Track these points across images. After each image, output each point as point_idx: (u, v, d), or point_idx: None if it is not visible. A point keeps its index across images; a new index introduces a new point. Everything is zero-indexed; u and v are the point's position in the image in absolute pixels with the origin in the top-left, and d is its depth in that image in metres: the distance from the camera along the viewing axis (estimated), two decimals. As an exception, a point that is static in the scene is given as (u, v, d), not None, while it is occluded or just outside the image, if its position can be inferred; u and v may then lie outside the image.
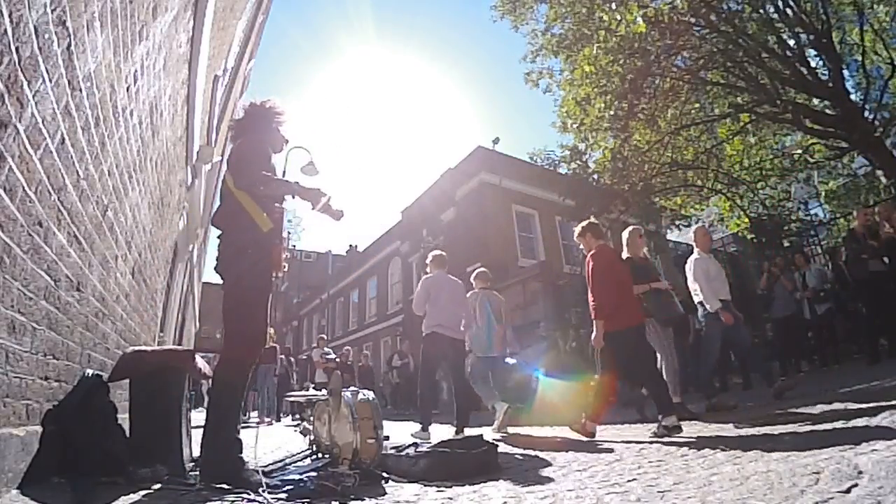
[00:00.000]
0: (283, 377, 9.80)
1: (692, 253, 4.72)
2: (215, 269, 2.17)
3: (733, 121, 9.02)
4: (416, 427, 4.23)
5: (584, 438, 3.27)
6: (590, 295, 3.49)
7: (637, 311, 3.48)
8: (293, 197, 2.22)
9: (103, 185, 2.15)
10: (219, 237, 2.15)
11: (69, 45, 1.52)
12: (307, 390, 7.53)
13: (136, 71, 2.36)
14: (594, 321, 3.44)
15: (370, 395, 2.33)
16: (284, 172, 2.27)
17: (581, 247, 3.88)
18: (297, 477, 1.87)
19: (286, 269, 2.26)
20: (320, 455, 2.54)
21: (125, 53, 2.12)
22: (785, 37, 8.27)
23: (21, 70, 1.27)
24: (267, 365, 8.69)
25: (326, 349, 9.93)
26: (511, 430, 4.45)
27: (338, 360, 10.29)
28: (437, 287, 4.60)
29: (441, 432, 4.26)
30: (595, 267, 3.46)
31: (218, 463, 1.87)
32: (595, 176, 9.85)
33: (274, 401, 8.90)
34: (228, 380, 2.03)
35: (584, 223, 3.81)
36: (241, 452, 1.96)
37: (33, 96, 1.36)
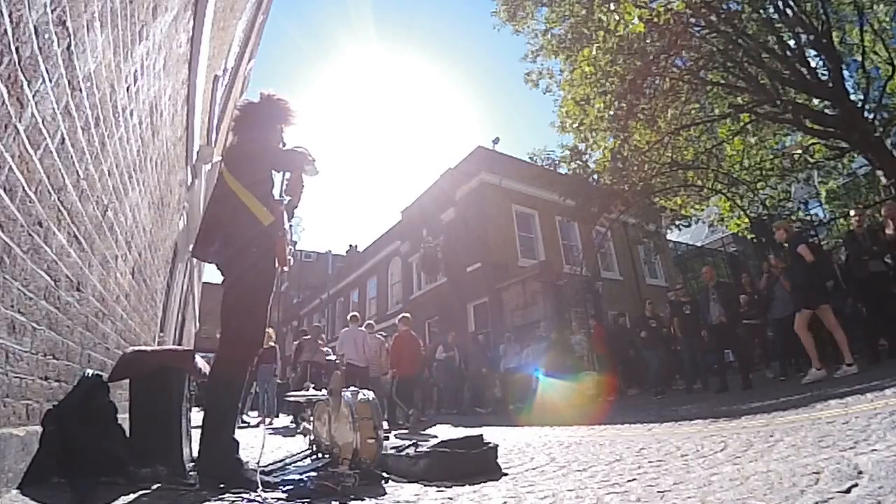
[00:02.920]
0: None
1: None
2: (217, 266, 2.16)
3: (733, 121, 9.02)
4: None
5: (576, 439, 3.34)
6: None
7: (408, 365, 7.32)
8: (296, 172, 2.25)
9: (103, 185, 2.15)
10: (221, 236, 2.11)
11: (69, 45, 1.52)
12: (307, 390, 7.53)
13: (136, 71, 2.36)
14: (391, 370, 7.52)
15: (370, 395, 2.34)
16: (284, 173, 2.25)
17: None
18: (296, 477, 1.87)
19: (291, 264, 2.23)
20: (320, 455, 2.54)
21: (125, 53, 2.12)
22: (785, 37, 8.27)
23: (21, 70, 1.26)
24: (267, 365, 8.70)
25: (326, 349, 9.86)
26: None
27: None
28: (349, 337, 7.36)
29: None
30: (394, 343, 7.55)
31: (217, 463, 1.87)
32: (595, 176, 9.85)
33: (274, 401, 8.88)
34: (226, 380, 2.01)
35: (401, 317, 7.79)
36: (237, 453, 1.96)
37: (33, 96, 1.36)
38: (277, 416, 9.36)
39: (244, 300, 2.05)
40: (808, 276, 5.06)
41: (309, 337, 8.26)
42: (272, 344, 9.10)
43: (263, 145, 2.21)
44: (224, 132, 7.21)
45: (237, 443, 2.00)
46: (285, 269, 2.16)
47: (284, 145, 2.35)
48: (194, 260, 5.83)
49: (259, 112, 2.28)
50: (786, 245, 5.50)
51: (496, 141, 15.60)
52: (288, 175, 2.31)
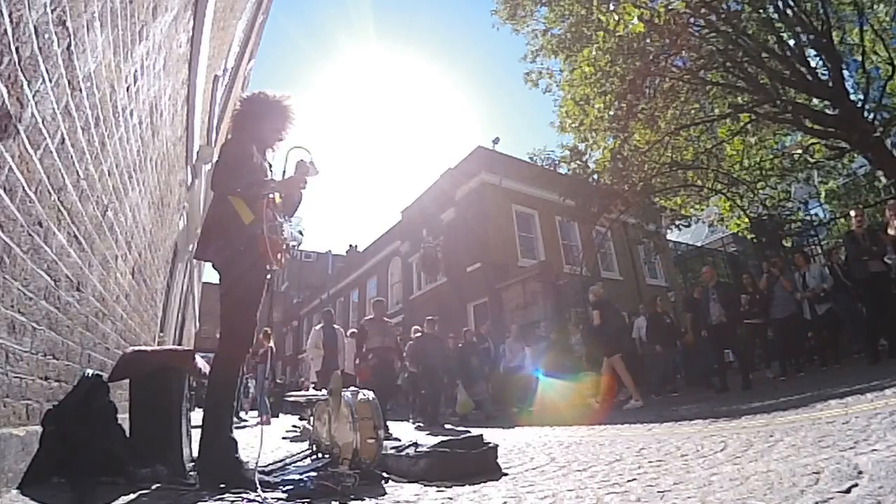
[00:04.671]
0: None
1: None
2: (213, 266, 2.16)
3: (733, 121, 9.02)
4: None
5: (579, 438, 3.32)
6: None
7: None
8: (274, 195, 2.18)
9: (103, 185, 2.15)
10: (216, 236, 2.10)
11: (69, 45, 1.52)
12: (307, 390, 7.52)
13: (136, 71, 2.36)
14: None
15: (370, 395, 2.33)
16: (284, 172, 2.21)
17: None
18: (296, 477, 1.87)
19: (282, 261, 2.17)
20: (320, 455, 2.54)
21: (125, 53, 2.12)
22: (785, 37, 8.27)
23: (21, 70, 1.26)
24: (262, 364, 8.72)
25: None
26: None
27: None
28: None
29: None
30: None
31: (217, 463, 1.87)
32: (595, 176, 9.86)
33: (264, 400, 8.81)
34: (224, 380, 2.04)
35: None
36: (237, 452, 1.96)
37: (33, 96, 1.36)
38: (277, 417, 9.35)
39: (240, 302, 2.07)
40: (602, 332, 6.59)
41: (373, 317, 6.45)
42: (270, 344, 8.98)
43: (248, 151, 2.17)
44: (224, 132, 7.21)
45: (236, 442, 2.00)
46: (274, 267, 2.14)
47: (280, 136, 2.33)
48: (194, 260, 5.82)
49: (242, 116, 2.26)
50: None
51: (496, 141, 15.61)
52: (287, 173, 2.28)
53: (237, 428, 2.73)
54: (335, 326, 7.39)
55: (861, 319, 6.04)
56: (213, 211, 2.16)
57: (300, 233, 2.80)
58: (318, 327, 7.30)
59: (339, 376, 2.55)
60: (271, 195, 2.19)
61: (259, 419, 8.67)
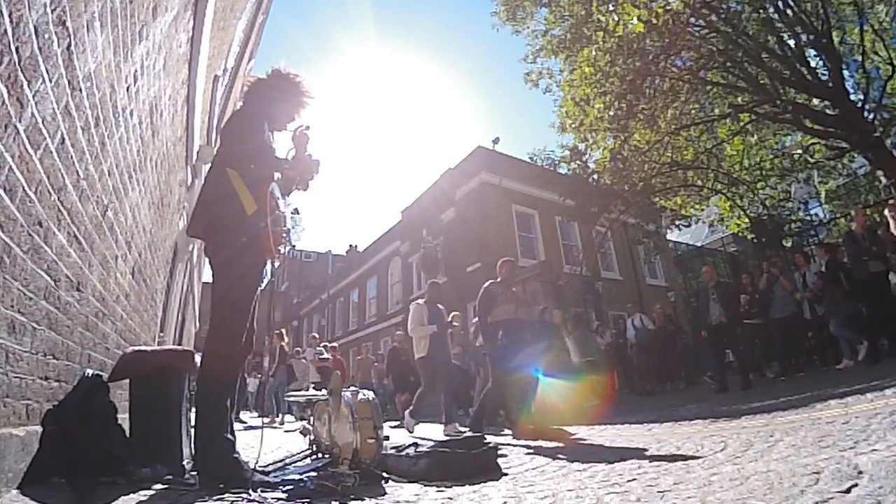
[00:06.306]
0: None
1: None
2: (205, 251, 2.08)
3: (733, 121, 9.03)
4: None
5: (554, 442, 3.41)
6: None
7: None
8: (280, 175, 2.09)
9: (103, 185, 2.14)
10: (216, 224, 2.01)
11: (69, 45, 1.52)
12: (306, 390, 7.51)
13: (136, 71, 2.36)
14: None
15: (370, 395, 2.33)
16: (289, 151, 2.14)
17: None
18: (296, 477, 1.87)
19: (280, 256, 2.10)
20: (320, 455, 2.54)
21: (125, 53, 2.12)
22: (785, 37, 8.27)
23: (21, 70, 1.26)
24: (283, 365, 8.71)
25: (319, 349, 9.78)
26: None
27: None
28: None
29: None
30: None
31: (216, 463, 1.86)
32: (595, 176, 9.87)
33: (283, 401, 8.85)
34: (216, 377, 1.97)
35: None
36: (235, 452, 1.95)
37: (33, 96, 1.36)
38: (277, 416, 9.34)
39: (229, 293, 2.00)
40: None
41: (501, 280, 4.77)
42: (284, 343, 9.00)
43: (259, 126, 2.07)
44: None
45: (233, 442, 1.99)
46: (276, 262, 2.08)
47: (292, 120, 2.27)
48: (194, 259, 5.81)
49: (258, 88, 2.19)
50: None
51: (496, 141, 15.62)
52: (293, 154, 2.18)
53: (247, 430, 2.74)
54: (439, 306, 5.65)
55: (861, 319, 6.04)
56: (212, 186, 2.06)
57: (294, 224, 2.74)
58: (421, 302, 5.65)
59: (339, 376, 2.55)
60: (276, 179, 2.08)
61: (267, 419, 8.70)
